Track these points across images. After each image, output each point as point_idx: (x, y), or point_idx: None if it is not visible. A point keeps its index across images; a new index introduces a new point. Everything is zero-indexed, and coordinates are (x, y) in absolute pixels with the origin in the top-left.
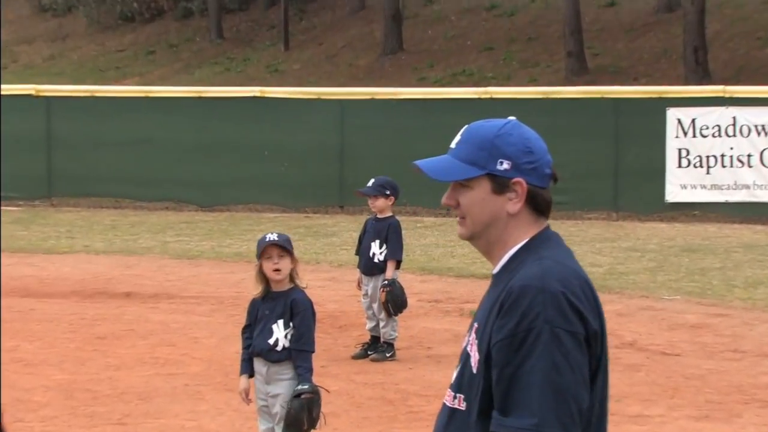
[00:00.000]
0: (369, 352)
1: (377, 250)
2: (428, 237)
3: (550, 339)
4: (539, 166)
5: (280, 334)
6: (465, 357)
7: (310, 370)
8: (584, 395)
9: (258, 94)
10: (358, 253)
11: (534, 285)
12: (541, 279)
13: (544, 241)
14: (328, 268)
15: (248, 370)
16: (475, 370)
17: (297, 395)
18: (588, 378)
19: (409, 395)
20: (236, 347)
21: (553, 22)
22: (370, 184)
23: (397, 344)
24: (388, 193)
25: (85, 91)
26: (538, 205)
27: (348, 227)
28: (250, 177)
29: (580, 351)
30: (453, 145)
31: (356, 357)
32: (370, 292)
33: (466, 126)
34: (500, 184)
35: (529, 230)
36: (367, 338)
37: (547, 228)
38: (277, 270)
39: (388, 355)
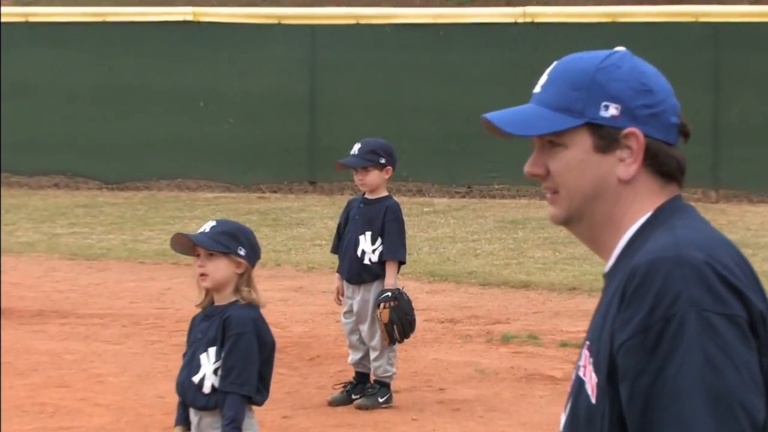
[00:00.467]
0: (354, 396)
1: (368, 247)
2: (440, 227)
3: (699, 328)
4: (662, 111)
5: (208, 368)
6: (577, 387)
7: (233, 422)
8: (756, 401)
9: (190, 18)
10: (337, 250)
11: (667, 257)
12: (676, 247)
13: (675, 211)
14: (293, 272)
15: (186, 419)
16: (594, 399)
17: None
18: (759, 377)
19: None
20: (158, 388)
21: None
22: (355, 150)
23: (394, 384)
24: (383, 161)
25: None
26: (664, 166)
27: (322, 213)
28: (177, 140)
29: (745, 341)
30: (537, 88)
31: (335, 402)
32: (356, 308)
33: (555, 62)
34: (606, 138)
35: (654, 201)
36: (350, 376)
37: (679, 197)
38: (203, 275)
39: (381, 399)
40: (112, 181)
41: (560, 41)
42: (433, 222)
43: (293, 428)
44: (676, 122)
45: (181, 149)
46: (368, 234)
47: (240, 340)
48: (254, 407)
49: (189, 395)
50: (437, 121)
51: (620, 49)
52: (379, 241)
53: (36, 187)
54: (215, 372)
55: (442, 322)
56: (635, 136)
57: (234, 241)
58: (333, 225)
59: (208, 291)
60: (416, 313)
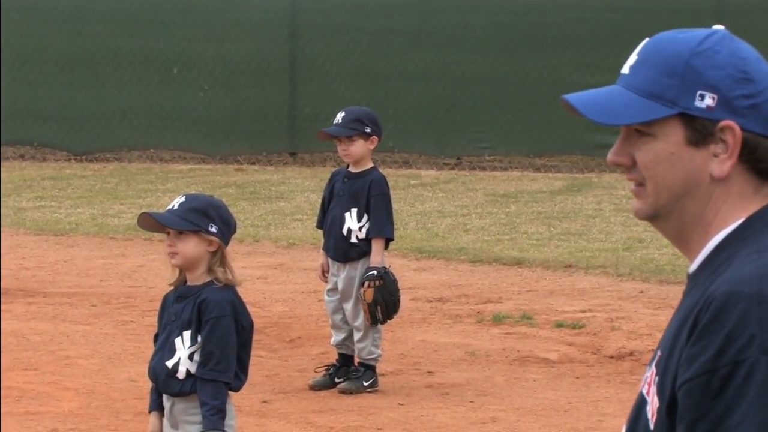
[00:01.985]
0: (337, 380)
1: (354, 225)
2: (428, 201)
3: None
4: (763, 102)
5: (183, 353)
6: (639, 404)
7: (218, 412)
8: None
9: None
10: (322, 225)
11: (746, 292)
12: (759, 281)
13: (767, 224)
14: (272, 248)
15: (160, 405)
16: (653, 425)
17: None
18: None
19: None
20: (130, 371)
21: None
22: (338, 119)
23: (380, 367)
24: (368, 131)
25: None
26: (762, 163)
27: (303, 186)
28: (150, 108)
29: None
30: (626, 69)
31: (317, 386)
32: (341, 287)
33: (647, 39)
34: (699, 131)
35: (746, 205)
36: (333, 358)
37: None
38: (172, 254)
39: (366, 383)
40: (80, 152)
41: (554, 4)
42: (421, 195)
43: (273, 413)
44: None
45: (153, 118)
46: (354, 211)
47: (218, 325)
48: (232, 393)
49: (161, 380)
50: (425, 88)
51: (719, 27)
52: (365, 217)
53: None
54: (190, 357)
55: (431, 302)
56: (732, 129)
57: (204, 218)
58: (314, 198)
59: (180, 269)
60: (402, 292)
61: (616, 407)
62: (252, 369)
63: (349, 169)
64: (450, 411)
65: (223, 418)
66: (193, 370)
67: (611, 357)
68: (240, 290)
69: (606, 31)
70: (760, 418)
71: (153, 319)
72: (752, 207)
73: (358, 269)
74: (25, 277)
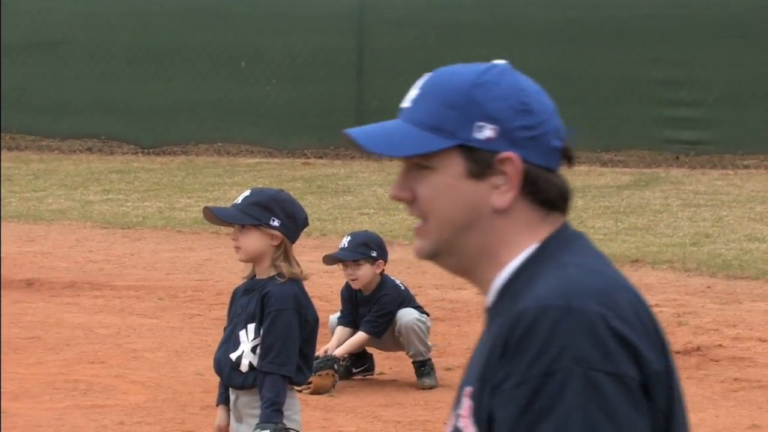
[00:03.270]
0: (354, 370)
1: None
2: None
3: (582, 387)
4: (543, 134)
5: (246, 345)
6: None
7: (273, 405)
8: None
9: None
10: (346, 324)
11: (555, 304)
12: (566, 295)
13: (563, 245)
14: (339, 242)
15: (228, 398)
16: None
17: None
18: None
19: None
20: (197, 365)
21: None
22: (344, 243)
23: (447, 361)
24: (374, 255)
25: None
26: (544, 194)
27: (370, 180)
28: (217, 102)
29: (633, 405)
30: (407, 103)
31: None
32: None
33: (427, 74)
34: (479, 163)
35: (535, 232)
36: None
37: (566, 226)
38: (237, 248)
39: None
40: (148, 145)
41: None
42: None
43: (340, 407)
44: (558, 146)
45: (221, 112)
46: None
47: (279, 318)
48: (297, 387)
49: (226, 373)
50: None
51: (500, 62)
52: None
53: (68, 152)
54: (253, 350)
55: None
56: (512, 161)
57: (266, 212)
58: (381, 192)
59: (247, 262)
60: (469, 286)
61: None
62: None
63: (360, 291)
64: None
65: (280, 411)
66: (255, 363)
67: (678, 352)
68: (307, 284)
69: (673, 27)
70: (574, 427)
71: (220, 313)
72: (543, 232)
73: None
74: (93, 271)
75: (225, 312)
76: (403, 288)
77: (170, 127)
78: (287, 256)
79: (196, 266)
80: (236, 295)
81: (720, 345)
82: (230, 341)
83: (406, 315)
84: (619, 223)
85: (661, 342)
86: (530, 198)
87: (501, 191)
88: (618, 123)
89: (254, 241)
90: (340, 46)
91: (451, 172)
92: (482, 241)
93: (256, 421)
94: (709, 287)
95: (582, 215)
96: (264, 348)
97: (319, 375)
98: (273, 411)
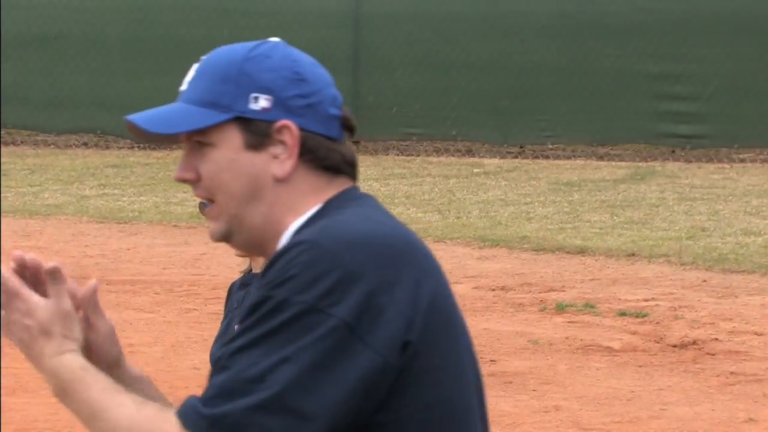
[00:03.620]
0: None
1: None
2: (491, 190)
3: (286, 316)
4: (318, 102)
5: None
6: None
7: None
8: (303, 410)
9: None
10: None
11: (305, 239)
12: (321, 231)
13: (345, 203)
14: None
15: None
16: None
17: None
18: (339, 393)
19: None
20: (193, 359)
21: None
22: None
23: None
24: None
25: None
26: (326, 160)
27: (366, 174)
28: None
29: (334, 348)
30: (184, 85)
31: None
32: None
33: (203, 56)
34: (257, 134)
35: (319, 195)
36: None
37: (353, 188)
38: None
39: None
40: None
41: None
42: (484, 184)
43: None
44: (337, 114)
45: None
46: None
47: None
48: None
49: None
50: (488, 76)
51: (273, 39)
52: None
53: (64, 146)
54: None
55: (493, 290)
56: (289, 129)
57: None
58: (377, 186)
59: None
60: (464, 280)
61: (679, 396)
62: None
63: None
64: (513, 399)
65: None
66: None
67: (674, 346)
68: None
69: (668, 21)
70: (265, 354)
71: (216, 307)
72: (327, 195)
73: None
74: (88, 265)
75: (221, 306)
76: None
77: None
78: None
79: (192, 261)
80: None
81: (716, 339)
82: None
83: None
84: (615, 217)
85: (420, 304)
86: (312, 165)
87: (281, 160)
88: (614, 117)
89: None
90: (335, 41)
91: (231, 145)
92: (267, 211)
93: None
94: (705, 281)
95: (578, 209)
96: None
97: None
98: None
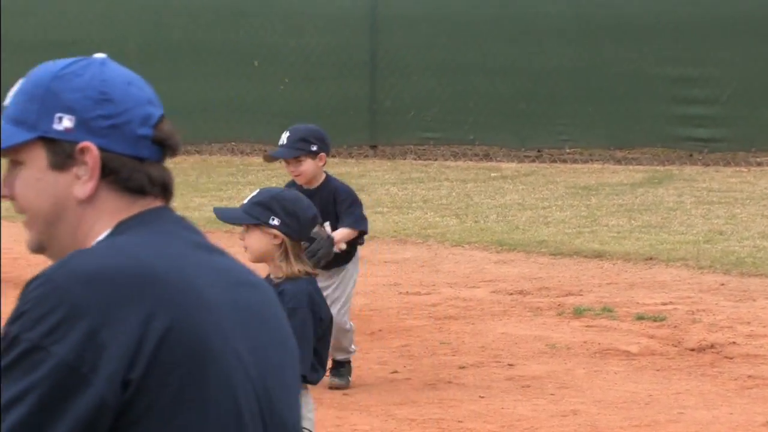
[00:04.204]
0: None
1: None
2: (508, 194)
3: (19, 357)
4: (125, 122)
5: None
6: None
7: None
8: None
9: None
10: None
11: (44, 273)
12: (58, 268)
13: (138, 224)
14: None
15: None
16: None
17: None
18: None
19: None
20: None
21: None
22: (283, 140)
23: (461, 359)
24: (314, 149)
25: None
26: (130, 181)
27: (383, 178)
28: (230, 101)
29: (70, 396)
30: (6, 100)
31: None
32: (335, 294)
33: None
34: (60, 154)
35: (114, 219)
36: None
37: (154, 209)
38: (245, 248)
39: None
40: None
41: None
42: (501, 188)
43: (353, 406)
44: (147, 134)
45: (233, 111)
46: (327, 224)
47: (294, 316)
48: (310, 386)
49: None
50: (505, 80)
51: (98, 55)
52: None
53: None
54: None
55: (511, 294)
56: (89, 150)
57: (266, 211)
58: (395, 191)
59: (258, 262)
60: (482, 284)
61: (697, 400)
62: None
63: (305, 187)
64: (530, 403)
65: None
66: None
67: (692, 349)
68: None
69: (686, 24)
70: (5, 389)
71: None
72: (124, 216)
73: (347, 271)
74: None
75: None
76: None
77: (183, 127)
78: (286, 256)
79: None
80: None
81: (734, 342)
82: None
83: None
84: (633, 221)
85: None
86: (115, 186)
87: (82, 181)
88: (631, 121)
89: (256, 240)
90: (352, 45)
91: (37, 165)
92: (71, 232)
93: None
94: (722, 285)
95: (596, 213)
96: None
97: None
98: None
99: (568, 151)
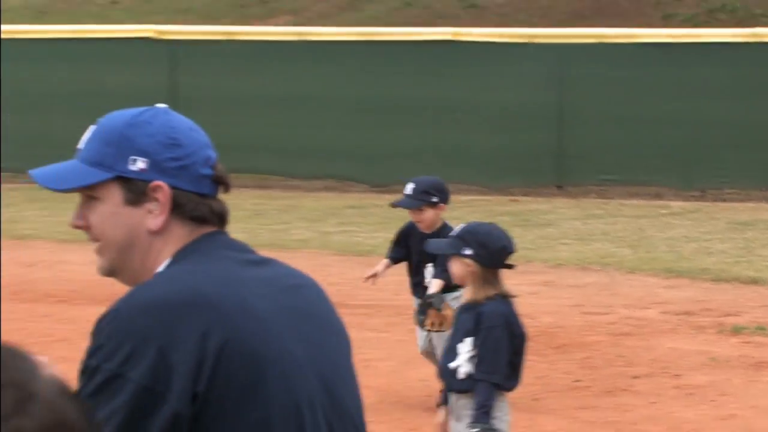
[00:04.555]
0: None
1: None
2: (676, 228)
3: (102, 384)
4: (191, 164)
5: (463, 356)
6: None
7: (482, 408)
8: None
9: (450, 37)
10: (394, 259)
11: (112, 308)
12: (124, 300)
13: (193, 252)
14: (542, 268)
15: (447, 400)
16: None
17: None
18: None
19: None
20: (422, 373)
21: None
22: (408, 190)
23: (635, 370)
24: (434, 200)
25: (220, 33)
26: (195, 212)
27: (569, 214)
28: (436, 147)
29: (149, 415)
30: (80, 144)
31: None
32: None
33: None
34: (134, 191)
35: (178, 245)
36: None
37: (209, 234)
38: (452, 274)
39: None
40: (377, 184)
41: None
42: (670, 223)
43: (542, 409)
44: (208, 173)
45: (439, 156)
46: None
47: (491, 333)
48: (507, 392)
49: (447, 379)
50: (673, 131)
51: (160, 105)
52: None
53: (309, 190)
54: (469, 360)
55: (678, 315)
56: (161, 188)
57: (461, 243)
58: (579, 225)
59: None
60: (653, 305)
61: None
62: (525, 371)
63: (424, 231)
64: (695, 409)
65: (488, 413)
66: (470, 371)
67: None
68: (514, 303)
69: None
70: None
71: None
72: (184, 244)
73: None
74: (331, 292)
75: None
76: None
77: (397, 169)
78: (476, 280)
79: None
80: (458, 313)
81: None
82: (450, 353)
83: None
84: None
85: (234, 361)
86: (182, 218)
87: (154, 215)
88: None
89: (455, 268)
90: (543, 100)
91: (113, 200)
92: (142, 259)
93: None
94: None
95: (751, 245)
96: (477, 359)
97: (438, 309)
98: (482, 413)
99: (727, 191)
